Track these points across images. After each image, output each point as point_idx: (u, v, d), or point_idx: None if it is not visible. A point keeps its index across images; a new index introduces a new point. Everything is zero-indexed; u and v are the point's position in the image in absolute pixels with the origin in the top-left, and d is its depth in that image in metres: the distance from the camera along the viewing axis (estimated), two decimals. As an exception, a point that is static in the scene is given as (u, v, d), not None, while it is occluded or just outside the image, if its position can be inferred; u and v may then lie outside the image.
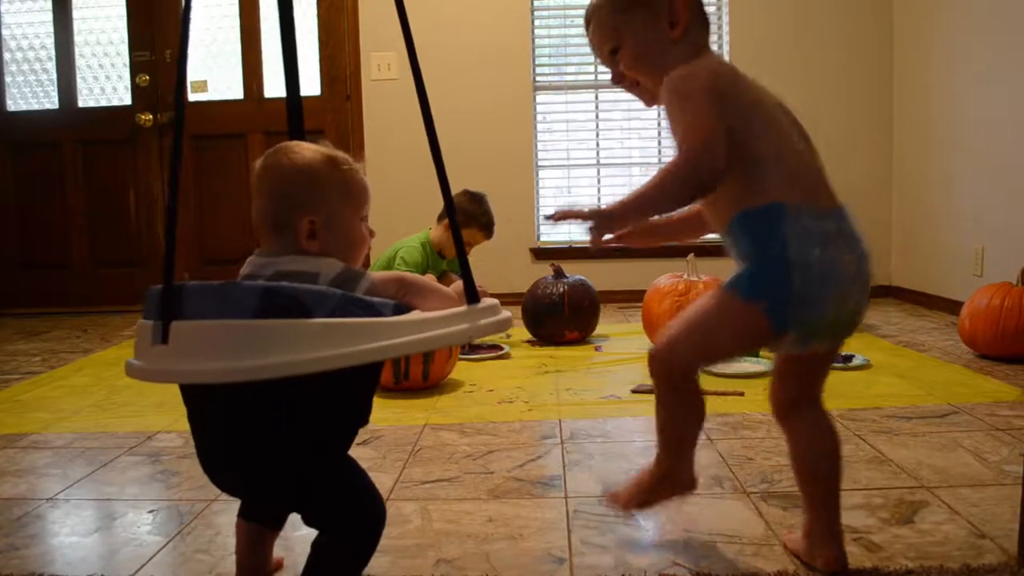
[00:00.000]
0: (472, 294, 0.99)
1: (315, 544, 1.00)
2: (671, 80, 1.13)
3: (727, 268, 1.13)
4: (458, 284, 1.01)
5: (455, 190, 3.01)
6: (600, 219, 1.08)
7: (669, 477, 1.20)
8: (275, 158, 1.05)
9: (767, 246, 1.07)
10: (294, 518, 1.14)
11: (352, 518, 1.00)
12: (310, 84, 4.19)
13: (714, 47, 4.18)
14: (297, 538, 1.30)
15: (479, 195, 3.02)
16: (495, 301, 1.01)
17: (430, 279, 1.10)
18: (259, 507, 1.14)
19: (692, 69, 1.13)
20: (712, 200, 1.16)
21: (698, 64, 1.15)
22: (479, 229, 3.02)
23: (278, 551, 1.21)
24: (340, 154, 1.08)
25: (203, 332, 0.85)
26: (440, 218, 3.08)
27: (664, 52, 1.18)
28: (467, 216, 2.96)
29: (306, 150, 1.06)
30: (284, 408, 0.93)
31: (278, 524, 1.16)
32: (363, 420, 1.04)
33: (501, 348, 2.89)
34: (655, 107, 1.25)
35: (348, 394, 0.99)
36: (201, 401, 0.97)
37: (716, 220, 1.19)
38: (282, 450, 0.95)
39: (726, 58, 4.10)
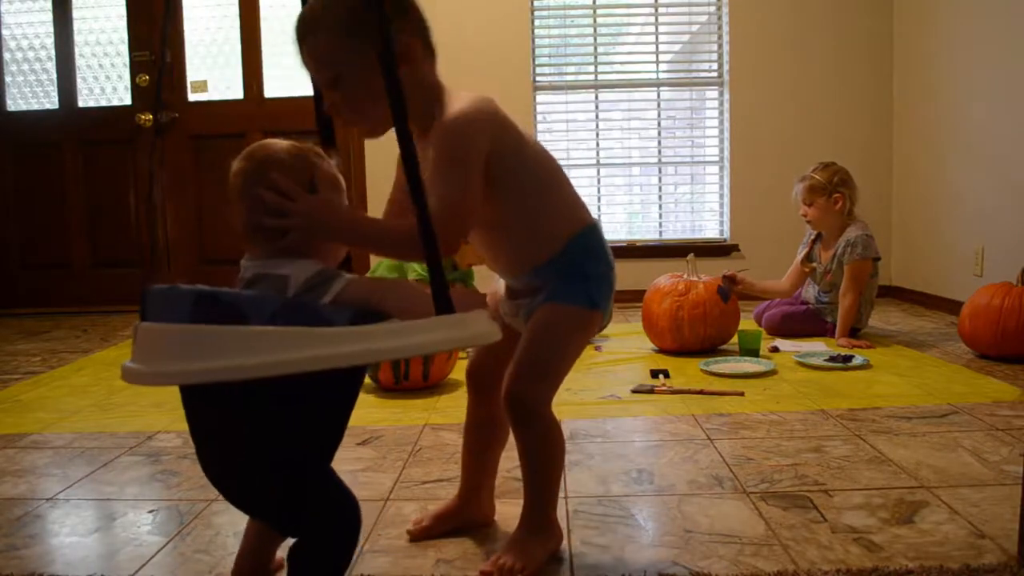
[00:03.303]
0: (444, 303, 0.91)
1: (292, 551, 0.99)
2: (445, 129, 1.09)
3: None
4: (455, 290, 0.96)
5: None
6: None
7: (548, 530, 1.24)
8: (266, 158, 1.02)
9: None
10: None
11: (328, 526, 0.98)
12: (310, 84, 4.18)
13: (713, 47, 4.19)
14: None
15: None
16: (481, 314, 0.95)
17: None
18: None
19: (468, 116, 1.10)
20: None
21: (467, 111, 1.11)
22: None
23: (278, 552, 1.21)
24: (316, 147, 1.07)
25: (147, 335, 0.87)
26: None
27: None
28: None
29: (290, 145, 1.04)
30: (258, 418, 0.93)
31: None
32: (338, 435, 1.02)
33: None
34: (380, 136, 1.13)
35: (318, 408, 0.97)
36: (191, 406, 0.98)
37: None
38: (255, 461, 0.96)
39: (726, 59, 4.10)
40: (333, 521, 0.98)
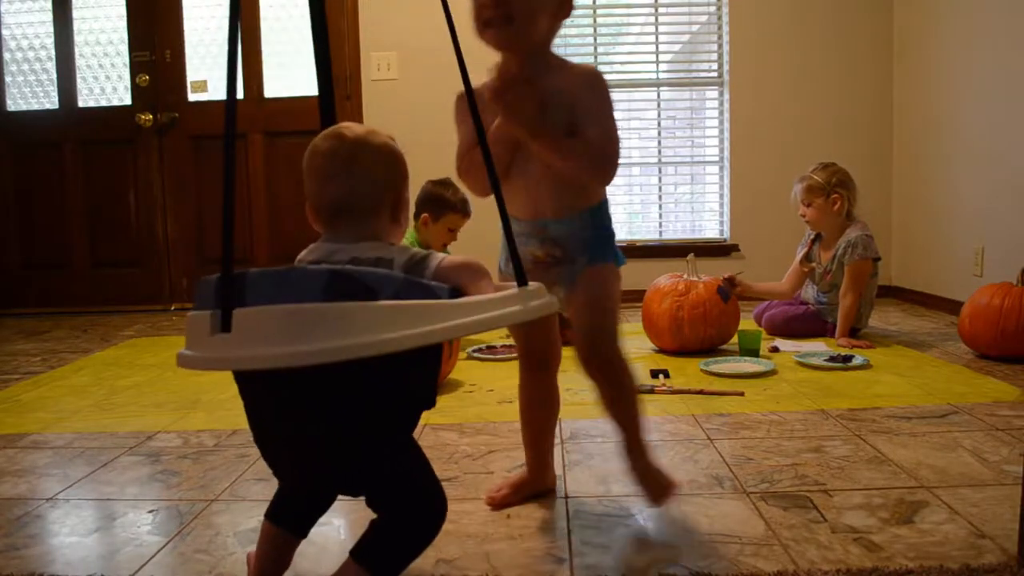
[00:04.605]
0: (521, 276, 1.00)
1: (374, 523, 1.00)
2: (597, 78, 1.28)
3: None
4: (461, 260, 1.01)
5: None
6: None
7: (658, 474, 1.38)
8: (357, 139, 1.04)
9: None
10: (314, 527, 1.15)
11: (414, 506, 1.01)
12: (310, 84, 4.19)
13: (713, 47, 4.19)
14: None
15: (443, 180, 2.98)
16: (539, 284, 1.01)
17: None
18: (311, 500, 1.13)
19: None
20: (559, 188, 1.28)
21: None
22: (455, 212, 2.97)
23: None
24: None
25: (268, 317, 0.83)
26: (416, 216, 3.03)
27: (548, 25, 1.27)
28: (440, 204, 2.93)
29: (375, 131, 1.07)
30: (348, 390, 0.93)
31: (303, 532, 1.15)
32: (428, 403, 1.06)
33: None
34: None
35: (413, 376, 1.00)
36: (262, 387, 0.96)
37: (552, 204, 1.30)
38: (347, 432, 0.96)
39: (726, 59, 4.10)
40: (420, 502, 1.01)
